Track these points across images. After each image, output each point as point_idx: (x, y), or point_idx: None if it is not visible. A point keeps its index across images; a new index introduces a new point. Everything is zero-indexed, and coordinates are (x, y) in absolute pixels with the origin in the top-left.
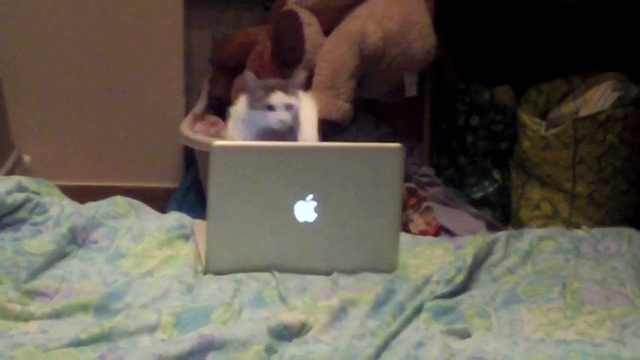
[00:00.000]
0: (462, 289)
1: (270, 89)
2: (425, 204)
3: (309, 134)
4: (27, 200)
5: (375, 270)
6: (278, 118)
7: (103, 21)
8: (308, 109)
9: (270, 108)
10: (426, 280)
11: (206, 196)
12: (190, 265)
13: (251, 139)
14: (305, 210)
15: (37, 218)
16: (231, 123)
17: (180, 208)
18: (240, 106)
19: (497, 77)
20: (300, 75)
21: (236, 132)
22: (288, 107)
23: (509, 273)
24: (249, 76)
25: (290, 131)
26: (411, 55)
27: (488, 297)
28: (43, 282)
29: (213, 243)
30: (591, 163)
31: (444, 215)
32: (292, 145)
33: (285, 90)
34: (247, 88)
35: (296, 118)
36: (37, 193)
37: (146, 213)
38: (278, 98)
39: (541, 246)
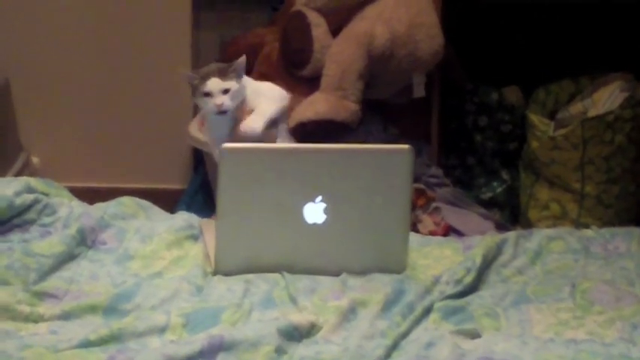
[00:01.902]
0: (472, 289)
1: (206, 76)
2: (433, 204)
3: (253, 119)
4: (36, 201)
5: (384, 270)
6: (214, 103)
7: (110, 23)
8: (263, 93)
9: (207, 95)
10: (436, 281)
11: (214, 198)
12: (199, 265)
13: (209, 130)
14: (314, 212)
15: (46, 219)
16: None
17: (189, 210)
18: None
19: (505, 78)
20: (240, 59)
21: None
22: (225, 92)
23: (518, 273)
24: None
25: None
26: (419, 55)
27: (497, 297)
28: (52, 283)
29: (223, 244)
30: (600, 164)
31: (453, 215)
32: (301, 147)
33: (223, 75)
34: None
35: (237, 99)
36: (46, 195)
37: (155, 213)
38: (213, 84)
39: (550, 246)
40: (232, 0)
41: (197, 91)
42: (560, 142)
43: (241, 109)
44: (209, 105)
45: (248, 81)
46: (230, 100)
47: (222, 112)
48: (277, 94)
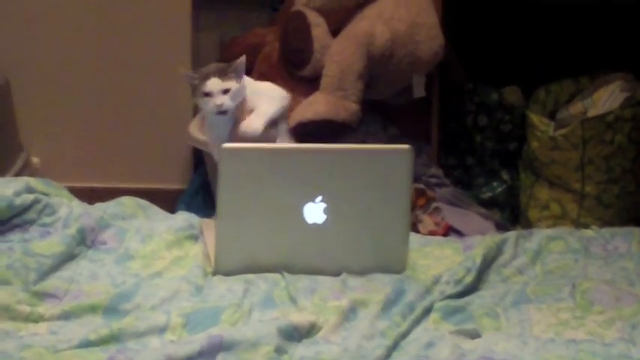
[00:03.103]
0: (472, 289)
1: (206, 77)
2: (433, 204)
3: (253, 120)
4: (36, 201)
5: (384, 270)
6: (214, 103)
7: (110, 23)
8: (264, 93)
9: (207, 95)
10: (436, 281)
11: (214, 198)
12: (199, 265)
13: (209, 130)
14: (314, 212)
15: (46, 219)
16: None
17: (189, 210)
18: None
19: (505, 77)
20: (240, 59)
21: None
22: (225, 92)
23: (518, 273)
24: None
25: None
26: (419, 56)
27: (497, 297)
28: (52, 283)
29: (223, 244)
30: (600, 164)
31: (453, 216)
32: (301, 147)
33: (223, 75)
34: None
35: (238, 100)
36: (46, 195)
37: (154, 213)
38: (213, 84)
39: (550, 246)
40: (232, 0)
41: (197, 91)
42: (561, 142)
43: (241, 109)
44: (209, 105)
45: (248, 81)
46: (230, 100)
47: (222, 112)
48: (277, 94)
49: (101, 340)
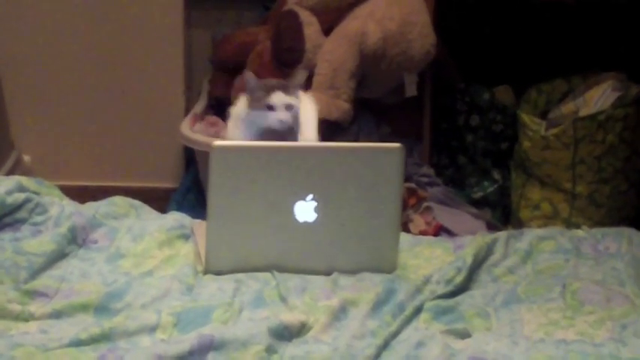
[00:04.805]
0: (462, 289)
1: (270, 89)
2: (425, 204)
3: (309, 135)
4: (27, 200)
5: (375, 270)
6: (278, 118)
7: (102, 20)
8: (308, 109)
9: (270, 108)
10: (426, 280)
11: (206, 196)
12: (190, 265)
13: (251, 140)
14: (305, 210)
15: (37, 218)
16: (231, 123)
17: (180, 208)
18: (240, 107)
19: (497, 77)
20: (301, 75)
21: (236, 132)
22: (288, 107)
23: (509, 273)
24: (249, 75)
25: (290, 131)
26: (411, 54)
27: (488, 297)
28: (43, 282)
29: (213, 243)
30: (591, 163)
31: (444, 215)
32: (292, 145)
33: (285, 90)
34: (247, 88)
35: (296, 118)
36: (37, 193)
37: (146, 213)
38: (278, 98)
39: (541, 246)
40: None
41: (257, 102)
42: (552, 141)
43: None
44: (270, 118)
45: None
46: (291, 117)
47: (282, 127)
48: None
49: (92, 339)
